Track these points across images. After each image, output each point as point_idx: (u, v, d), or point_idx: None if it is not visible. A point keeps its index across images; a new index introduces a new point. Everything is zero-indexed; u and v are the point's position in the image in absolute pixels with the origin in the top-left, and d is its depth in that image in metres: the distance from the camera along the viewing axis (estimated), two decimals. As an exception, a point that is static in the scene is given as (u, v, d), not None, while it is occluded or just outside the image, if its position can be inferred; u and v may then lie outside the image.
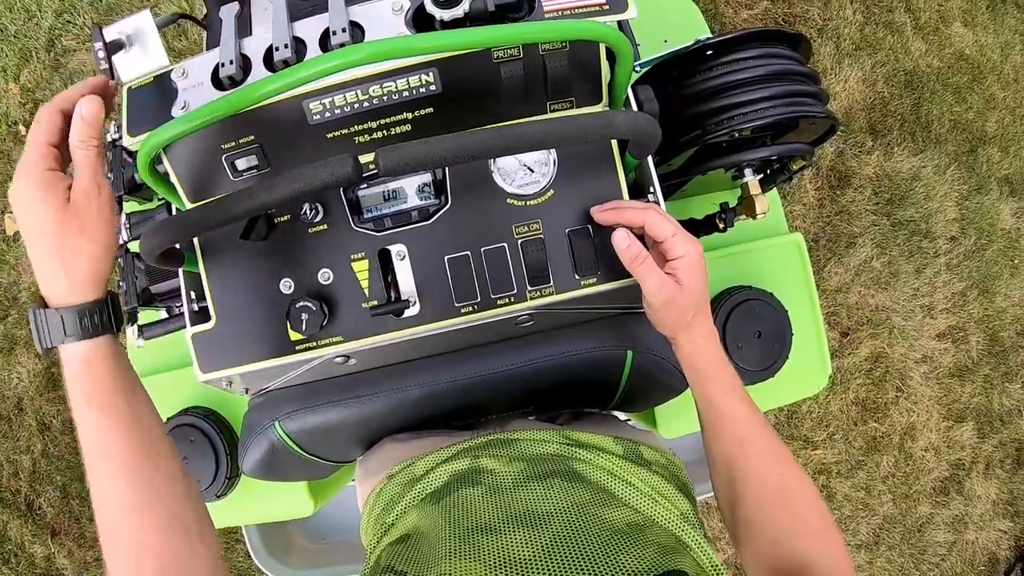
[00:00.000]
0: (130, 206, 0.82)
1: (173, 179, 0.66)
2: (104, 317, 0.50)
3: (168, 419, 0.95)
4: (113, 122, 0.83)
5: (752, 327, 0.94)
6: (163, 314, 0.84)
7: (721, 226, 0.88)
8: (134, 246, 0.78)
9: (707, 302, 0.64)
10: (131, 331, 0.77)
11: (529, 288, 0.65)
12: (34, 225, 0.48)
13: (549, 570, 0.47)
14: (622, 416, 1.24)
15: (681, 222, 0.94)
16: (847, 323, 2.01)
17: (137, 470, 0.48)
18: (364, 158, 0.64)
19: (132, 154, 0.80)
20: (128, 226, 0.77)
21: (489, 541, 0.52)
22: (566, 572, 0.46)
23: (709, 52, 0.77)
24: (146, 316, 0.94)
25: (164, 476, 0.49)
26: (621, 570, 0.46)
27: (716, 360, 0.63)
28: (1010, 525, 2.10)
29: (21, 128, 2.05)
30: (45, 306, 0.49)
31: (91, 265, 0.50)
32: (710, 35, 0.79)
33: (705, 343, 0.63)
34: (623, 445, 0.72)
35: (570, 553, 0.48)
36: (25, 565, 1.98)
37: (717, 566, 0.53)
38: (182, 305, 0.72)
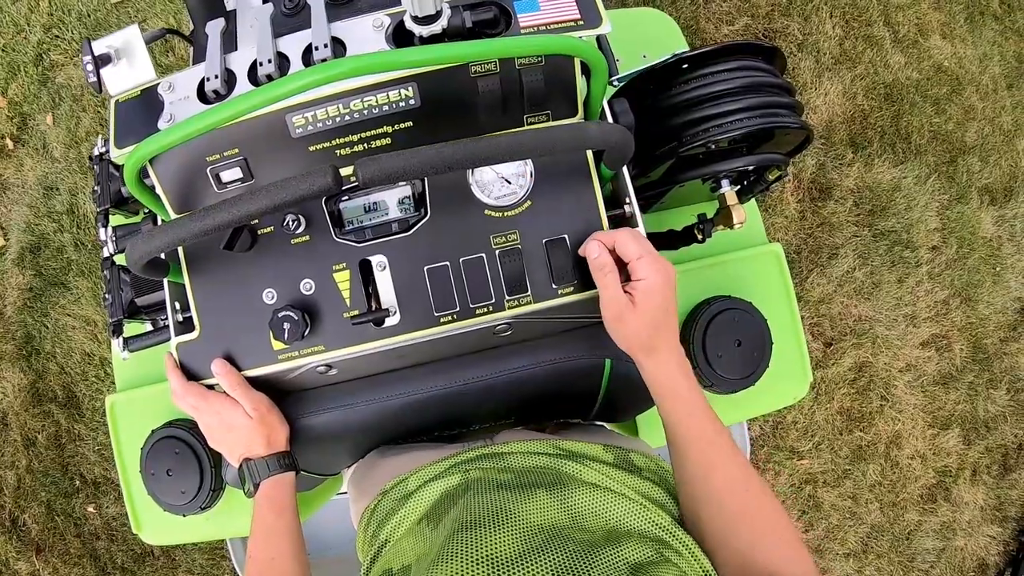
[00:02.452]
0: (116, 219, 0.83)
1: (159, 191, 0.67)
2: (292, 459, 0.75)
3: (153, 431, 0.95)
4: (100, 136, 0.84)
5: (732, 336, 0.95)
6: (148, 327, 0.85)
7: (699, 237, 0.89)
8: (120, 259, 0.79)
9: (671, 328, 0.64)
10: (116, 343, 0.78)
11: (507, 297, 0.67)
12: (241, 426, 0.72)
13: (525, 572, 0.48)
14: (606, 427, 1.25)
15: (659, 234, 0.96)
16: (830, 333, 2.03)
17: (288, 547, 0.70)
18: (345, 171, 0.65)
19: (118, 167, 0.81)
20: (114, 239, 0.78)
21: (469, 536, 0.53)
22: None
23: (685, 65, 0.78)
24: (131, 329, 0.94)
25: (299, 554, 0.72)
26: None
27: (679, 383, 0.64)
28: (999, 531, 2.11)
29: (8, 142, 2.05)
30: (248, 460, 0.73)
31: (285, 433, 0.75)
32: (687, 49, 0.81)
33: (668, 367, 0.64)
34: (613, 453, 0.73)
35: (547, 561, 0.49)
36: (9, 583, 1.97)
37: (708, 570, 0.54)
38: (167, 318, 0.72)
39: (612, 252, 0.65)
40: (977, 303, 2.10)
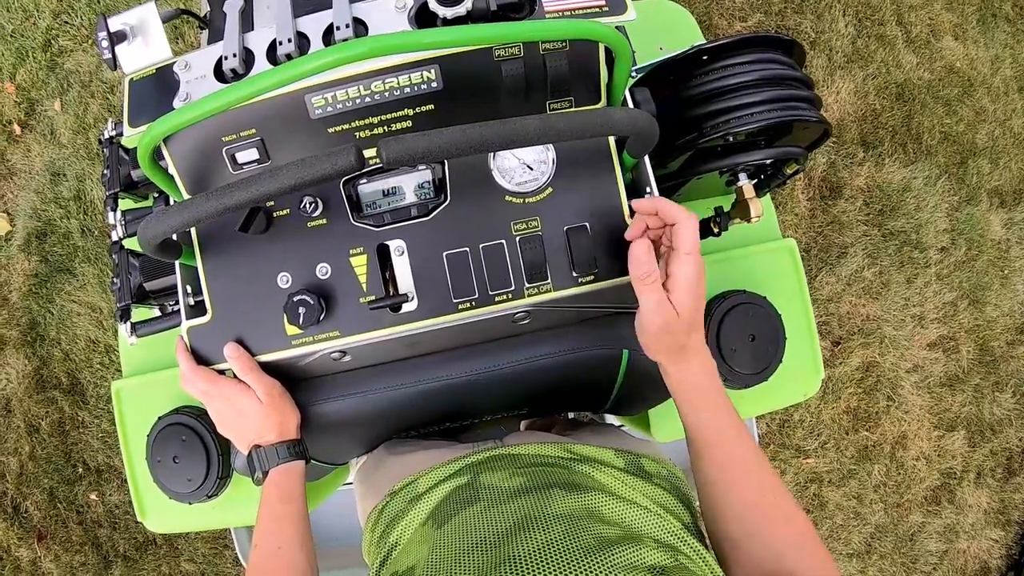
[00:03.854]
0: (125, 204, 0.82)
1: (173, 172, 0.66)
2: (303, 447, 0.74)
3: (160, 418, 0.95)
4: (110, 119, 0.84)
5: (746, 331, 0.94)
6: (156, 312, 0.84)
7: (716, 230, 0.88)
8: (129, 243, 0.79)
9: (700, 328, 0.62)
10: (124, 328, 0.77)
11: (527, 285, 0.66)
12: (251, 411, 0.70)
13: (542, 566, 0.47)
14: (615, 421, 1.24)
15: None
16: (838, 332, 2.02)
17: (295, 536, 0.69)
18: (367, 153, 0.64)
19: (128, 151, 0.80)
20: (123, 223, 0.77)
21: (484, 552, 0.52)
22: (559, 569, 0.46)
23: (705, 57, 0.77)
24: (139, 315, 0.93)
25: (306, 544, 0.71)
26: (614, 569, 0.46)
27: (706, 384, 0.62)
28: (1002, 534, 2.11)
29: (16, 128, 2.04)
30: (258, 447, 0.71)
31: (296, 421, 0.73)
32: (705, 41, 0.80)
33: (695, 367, 0.62)
34: (624, 458, 0.73)
35: (567, 556, 0.48)
36: (10, 570, 1.96)
37: (719, 575, 0.53)
38: (176, 303, 0.71)
39: (662, 227, 0.62)
40: (985, 305, 2.09)
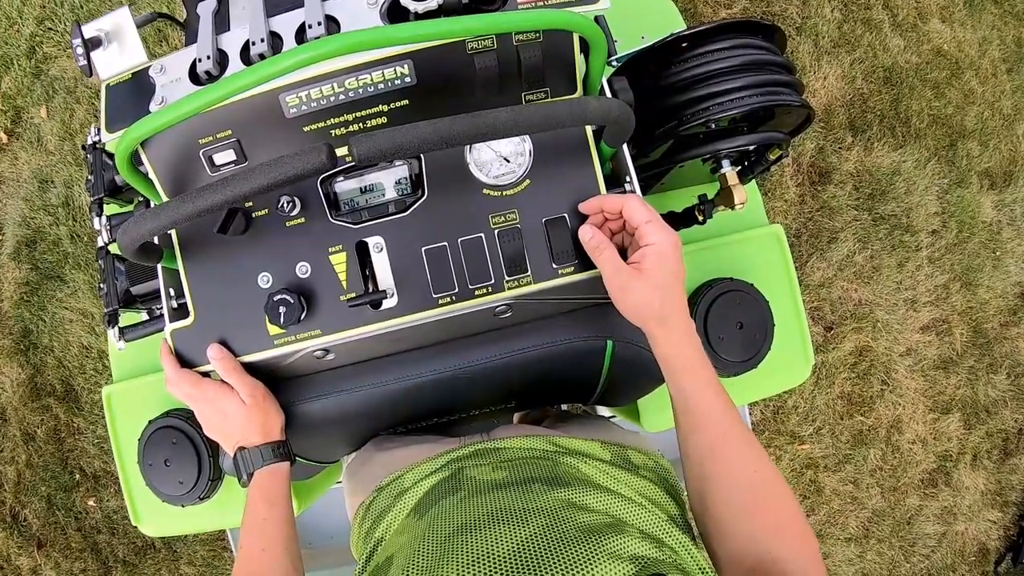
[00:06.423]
0: (111, 209, 0.82)
1: (151, 175, 0.66)
2: (288, 449, 0.74)
3: (150, 422, 0.95)
4: (94, 124, 0.83)
5: (733, 318, 0.94)
6: (145, 316, 0.84)
7: (700, 218, 0.88)
8: (115, 248, 0.78)
9: (680, 296, 0.63)
10: (112, 333, 0.77)
11: (507, 278, 0.66)
12: (235, 414, 0.71)
13: (525, 565, 0.46)
14: (606, 412, 1.24)
15: (660, 215, 0.95)
16: (830, 318, 2.02)
17: (279, 538, 0.69)
18: (341, 151, 0.64)
19: (112, 156, 0.80)
20: (108, 228, 0.77)
21: (464, 540, 0.51)
22: (543, 568, 0.46)
23: (684, 44, 0.77)
24: (128, 319, 0.93)
25: (291, 545, 0.71)
26: (599, 565, 0.45)
27: (692, 356, 0.62)
28: (999, 515, 2.12)
29: (2, 136, 2.03)
30: (243, 448, 0.71)
31: (280, 422, 0.74)
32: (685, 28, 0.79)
33: (681, 338, 0.62)
34: (611, 450, 0.72)
35: (548, 549, 0.47)
36: (11, 578, 1.97)
37: (704, 569, 0.53)
38: (162, 306, 0.71)
39: (618, 218, 0.65)
40: (977, 287, 2.09)
